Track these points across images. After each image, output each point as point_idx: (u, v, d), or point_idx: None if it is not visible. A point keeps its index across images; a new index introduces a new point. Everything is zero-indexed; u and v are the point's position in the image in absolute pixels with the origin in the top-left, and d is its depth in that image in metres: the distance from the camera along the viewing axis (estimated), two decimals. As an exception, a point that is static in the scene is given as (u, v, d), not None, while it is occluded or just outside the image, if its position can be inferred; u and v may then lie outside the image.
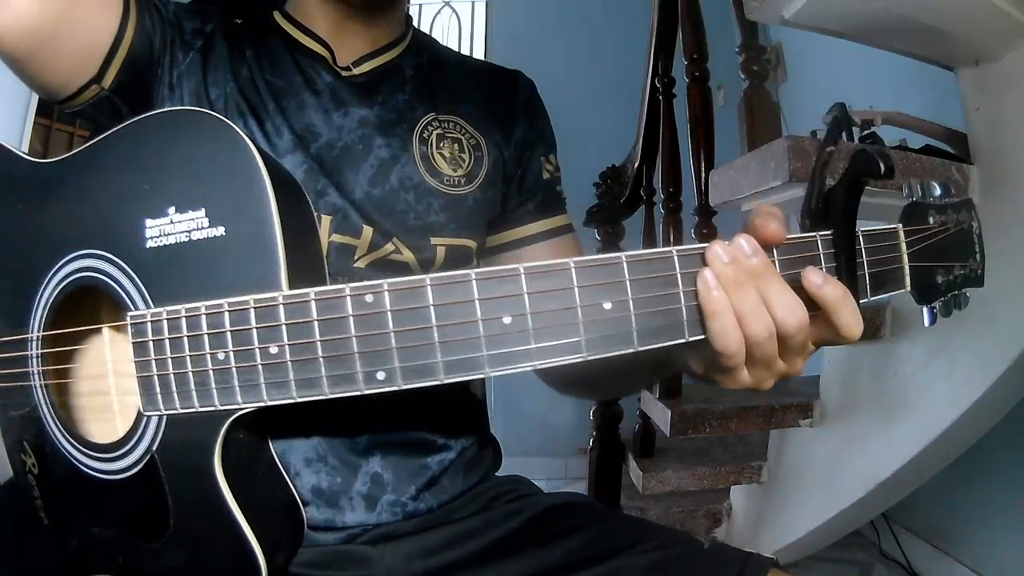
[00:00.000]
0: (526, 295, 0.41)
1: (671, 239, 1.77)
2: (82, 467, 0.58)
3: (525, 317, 0.41)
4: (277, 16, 0.75)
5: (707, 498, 1.92)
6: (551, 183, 0.82)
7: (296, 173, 0.67)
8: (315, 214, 0.65)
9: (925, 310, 0.54)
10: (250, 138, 0.65)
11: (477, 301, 0.41)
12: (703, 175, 1.61)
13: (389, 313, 0.42)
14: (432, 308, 0.41)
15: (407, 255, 0.71)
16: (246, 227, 0.50)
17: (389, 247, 0.70)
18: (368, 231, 0.69)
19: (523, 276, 0.41)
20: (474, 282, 0.41)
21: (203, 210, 0.51)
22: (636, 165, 2.09)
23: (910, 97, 1.66)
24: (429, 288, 0.41)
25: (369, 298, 0.42)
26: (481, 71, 0.84)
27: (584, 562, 0.67)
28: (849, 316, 0.46)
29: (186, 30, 0.70)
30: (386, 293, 0.42)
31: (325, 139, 0.70)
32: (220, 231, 0.50)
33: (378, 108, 0.73)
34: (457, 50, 1.10)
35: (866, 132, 1.41)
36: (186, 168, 0.53)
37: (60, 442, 0.59)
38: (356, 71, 0.74)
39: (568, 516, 0.73)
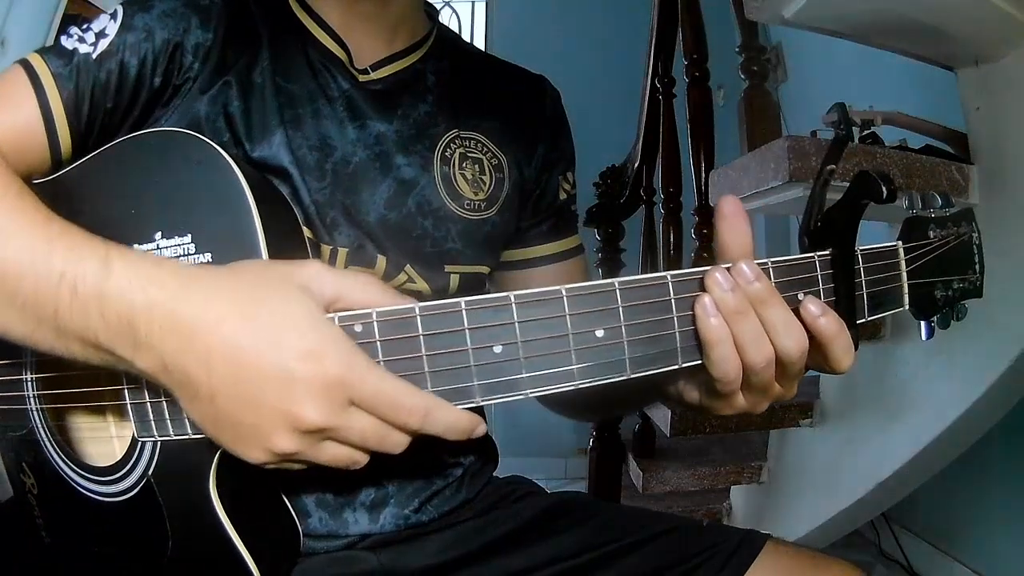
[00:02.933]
0: (517, 324, 0.40)
1: (671, 239, 1.76)
2: (80, 489, 0.58)
3: (516, 346, 0.40)
4: (292, 3, 0.69)
5: (707, 498, 1.92)
6: (567, 203, 0.79)
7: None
8: (330, 247, 0.64)
9: (923, 325, 0.54)
10: (254, 164, 0.61)
11: (467, 330, 0.40)
12: (703, 175, 1.61)
13: (379, 343, 0.41)
14: (422, 338, 0.41)
15: (420, 284, 0.67)
16: (234, 255, 0.49)
17: (402, 277, 0.67)
18: (382, 261, 0.66)
19: (514, 305, 0.40)
20: (464, 311, 0.40)
21: (189, 236, 0.50)
22: (636, 165, 2.08)
23: (910, 97, 1.66)
24: (418, 318, 0.41)
25: (358, 328, 0.41)
26: (507, 77, 0.79)
27: (587, 548, 0.69)
28: (842, 350, 0.46)
29: (186, 50, 0.62)
30: (375, 323, 0.41)
31: (340, 154, 0.65)
32: (207, 258, 0.50)
33: (397, 123, 0.68)
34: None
35: (866, 132, 1.41)
36: (172, 193, 0.52)
37: (58, 464, 0.59)
38: (375, 75, 0.69)
39: (569, 511, 0.74)
